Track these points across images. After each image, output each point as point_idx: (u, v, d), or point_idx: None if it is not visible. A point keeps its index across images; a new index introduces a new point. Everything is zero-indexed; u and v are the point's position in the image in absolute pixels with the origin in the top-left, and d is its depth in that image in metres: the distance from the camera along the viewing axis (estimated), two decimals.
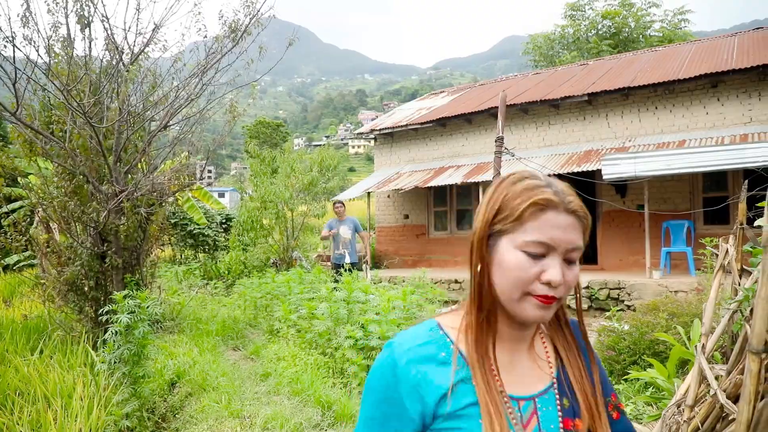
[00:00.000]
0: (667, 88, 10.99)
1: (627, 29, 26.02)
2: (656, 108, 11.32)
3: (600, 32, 26.61)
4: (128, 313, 4.57)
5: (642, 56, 14.33)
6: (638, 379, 4.19)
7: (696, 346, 1.73)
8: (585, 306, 9.68)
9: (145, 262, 7.32)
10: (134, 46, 6.04)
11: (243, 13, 6.27)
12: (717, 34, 15.02)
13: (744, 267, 2.01)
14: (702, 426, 1.76)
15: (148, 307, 4.76)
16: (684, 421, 1.77)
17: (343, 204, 9.66)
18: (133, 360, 4.64)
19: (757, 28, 13.81)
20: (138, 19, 5.86)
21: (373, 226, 15.86)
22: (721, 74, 10.24)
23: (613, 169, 9.54)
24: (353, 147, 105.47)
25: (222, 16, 6.41)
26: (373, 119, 18.17)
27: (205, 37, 6.45)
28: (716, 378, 1.76)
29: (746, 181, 1.48)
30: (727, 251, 1.69)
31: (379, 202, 15.58)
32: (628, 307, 8.66)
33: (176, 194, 7.36)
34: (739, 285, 1.83)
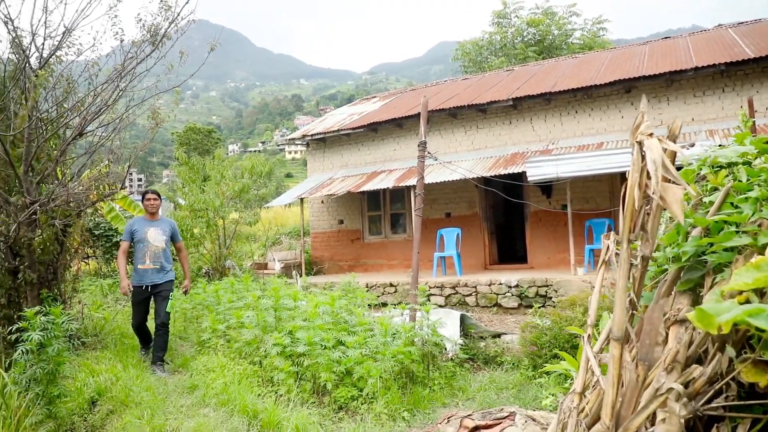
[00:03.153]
0: (586, 93, 11.57)
1: (551, 36, 27.20)
2: (576, 112, 11.90)
3: (526, 39, 27.68)
4: (41, 330, 4.35)
5: (563, 63, 15.04)
6: (556, 372, 4.39)
7: (582, 337, 1.85)
8: (515, 304, 10.02)
9: (65, 276, 6.97)
10: (43, 49, 5.76)
11: (162, 17, 6.10)
12: (636, 41, 15.97)
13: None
14: (590, 412, 1.88)
15: (63, 323, 4.55)
16: (574, 407, 1.88)
17: (159, 196, 6.53)
18: (48, 379, 4.43)
19: (666, 38, 14.79)
20: (47, 21, 5.59)
21: (308, 232, 15.76)
22: (633, 80, 10.89)
23: (537, 171, 9.94)
24: (290, 153, 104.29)
25: (140, 20, 6.21)
26: (308, 124, 18.08)
27: (122, 41, 6.23)
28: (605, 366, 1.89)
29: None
30: (608, 247, 1.82)
31: (313, 208, 15.51)
32: (554, 304, 9.04)
33: (96, 204, 7.05)
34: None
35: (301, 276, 11.48)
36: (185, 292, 6.66)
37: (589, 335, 1.84)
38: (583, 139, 11.63)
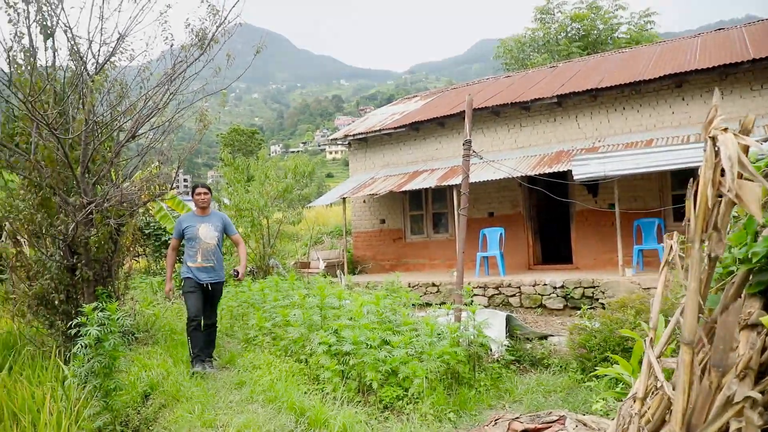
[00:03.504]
0: (634, 88, 11.23)
1: (596, 31, 26.53)
2: (624, 108, 11.57)
3: (569, 35, 27.09)
4: (98, 326, 4.52)
5: (610, 58, 14.63)
6: (607, 376, 4.27)
7: (645, 340, 1.79)
8: (560, 305, 9.81)
9: (118, 274, 7.22)
10: (99, 55, 5.98)
11: (210, 21, 6.25)
12: (684, 35, 15.41)
13: None
14: (653, 418, 1.81)
15: (118, 319, 4.71)
16: (635, 413, 1.82)
17: (210, 190, 6.06)
18: (104, 372, 4.59)
19: (719, 29, 14.21)
20: (102, 28, 5.80)
21: (350, 232, 15.86)
22: (684, 74, 10.50)
23: (583, 170, 9.70)
24: (330, 153, 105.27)
25: (189, 25, 6.37)
26: (349, 124, 18.23)
27: (172, 45, 6.41)
28: (670, 371, 1.82)
29: (692, 179, 1.55)
30: (671, 247, 1.76)
31: (355, 208, 15.59)
32: (602, 305, 8.81)
33: (147, 204, 7.28)
34: (686, 279, 1.90)
35: (346, 275, 11.56)
36: (236, 275, 6.06)
37: (651, 339, 1.77)
38: (632, 137, 11.29)
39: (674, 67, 10.99)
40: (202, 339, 5.79)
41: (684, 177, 10.99)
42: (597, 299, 9.52)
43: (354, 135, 15.12)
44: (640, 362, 3.77)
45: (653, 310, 1.78)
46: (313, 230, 17.94)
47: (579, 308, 8.96)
